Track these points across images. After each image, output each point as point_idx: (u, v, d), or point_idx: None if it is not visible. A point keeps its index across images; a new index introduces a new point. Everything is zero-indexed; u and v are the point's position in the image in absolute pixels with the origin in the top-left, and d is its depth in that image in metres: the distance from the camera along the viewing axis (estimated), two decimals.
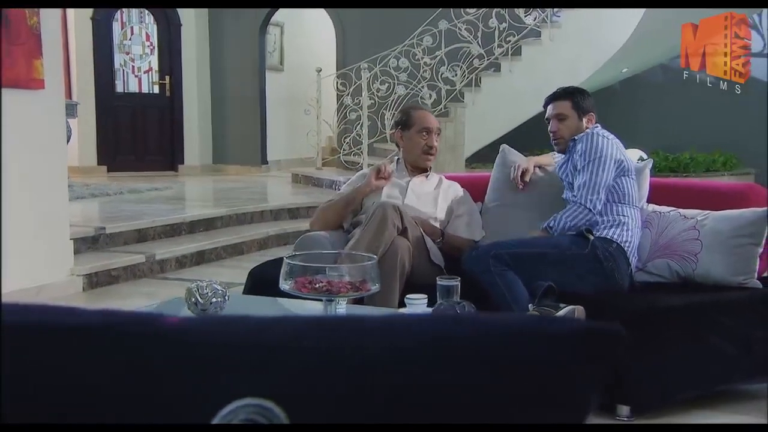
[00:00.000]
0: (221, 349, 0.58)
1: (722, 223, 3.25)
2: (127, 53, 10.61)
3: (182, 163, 11.04)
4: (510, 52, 8.47)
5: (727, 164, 8.59)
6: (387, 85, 8.69)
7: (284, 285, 2.50)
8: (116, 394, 0.58)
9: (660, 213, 3.44)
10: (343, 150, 9.21)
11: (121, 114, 10.56)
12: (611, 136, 3.45)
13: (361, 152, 8.66)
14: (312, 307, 2.73)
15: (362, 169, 8.55)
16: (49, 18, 4.78)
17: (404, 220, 3.29)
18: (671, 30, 8.45)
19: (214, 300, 2.62)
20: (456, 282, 2.58)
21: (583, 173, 3.36)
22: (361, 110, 8.64)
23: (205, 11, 11.03)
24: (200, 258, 6.13)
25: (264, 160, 11.12)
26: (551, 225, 3.36)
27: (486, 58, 8.49)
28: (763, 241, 3.23)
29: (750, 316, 3.10)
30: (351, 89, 9.02)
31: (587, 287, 3.16)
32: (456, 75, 8.52)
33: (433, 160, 3.84)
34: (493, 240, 3.54)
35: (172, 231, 6.37)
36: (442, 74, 8.56)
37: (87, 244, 5.53)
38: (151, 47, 10.79)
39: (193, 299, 2.62)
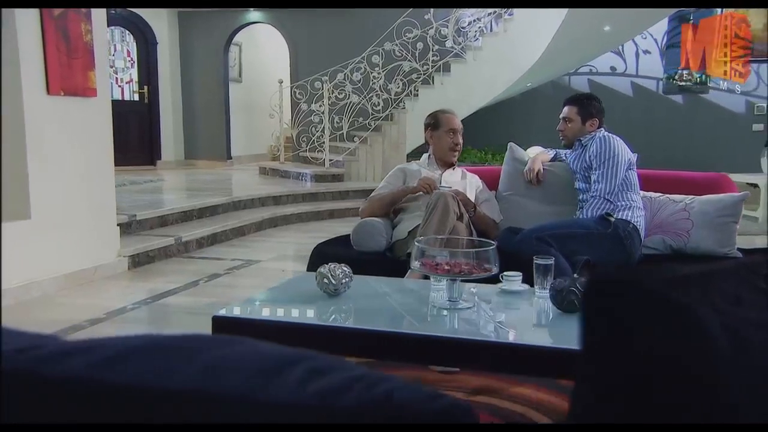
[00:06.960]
0: None
1: (707, 205, 3.21)
2: (112, 67, 9.86)
3: (159, 158, 10.41)
4: (441, 69, 8.32)
5: None
6: (344, 94, 8.39)
7: (415, 264, 2.28)
8: None
9: (651, 198, 3.37)
10: (303, 148, 8.85)
11: None
12: (618, 139, 3.35)
13: (324, 149, 8.33)
14: (419, 284, 2.51)
15: (325, 165, 8.27)
16: (98, 35, 4.31)
17: (460, 207, 3.10)
18: (563, 58, 8.51)
19: (344, 281, 2.37)
20: (552, 261, 2.40)
21: (600, 171, 3.25)
22: (323, 115, 8.31)
23: (177, 32, 10.38)
24: (214, 239, 5.74)
25: (228, 156, 10.61)
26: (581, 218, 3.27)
27: (422, 74, 8.32)
28: (740, 219, 3.22)
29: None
30: (310, 98, 8.64)
31: (612, 260, 3.06)
32: (399, 87, 8.32)
33: (458, 155, 3.66)
34: (510, 222, 3.44)
35: (186, 216, 5.94)
36: (386, 86, 8.34)
37: (123, 229, 5.05)
38: (132, 62, 10.09)
39: (326, 280, 2.36)
